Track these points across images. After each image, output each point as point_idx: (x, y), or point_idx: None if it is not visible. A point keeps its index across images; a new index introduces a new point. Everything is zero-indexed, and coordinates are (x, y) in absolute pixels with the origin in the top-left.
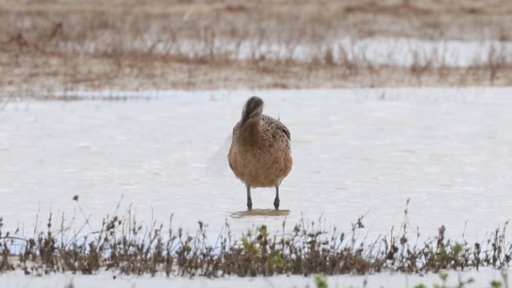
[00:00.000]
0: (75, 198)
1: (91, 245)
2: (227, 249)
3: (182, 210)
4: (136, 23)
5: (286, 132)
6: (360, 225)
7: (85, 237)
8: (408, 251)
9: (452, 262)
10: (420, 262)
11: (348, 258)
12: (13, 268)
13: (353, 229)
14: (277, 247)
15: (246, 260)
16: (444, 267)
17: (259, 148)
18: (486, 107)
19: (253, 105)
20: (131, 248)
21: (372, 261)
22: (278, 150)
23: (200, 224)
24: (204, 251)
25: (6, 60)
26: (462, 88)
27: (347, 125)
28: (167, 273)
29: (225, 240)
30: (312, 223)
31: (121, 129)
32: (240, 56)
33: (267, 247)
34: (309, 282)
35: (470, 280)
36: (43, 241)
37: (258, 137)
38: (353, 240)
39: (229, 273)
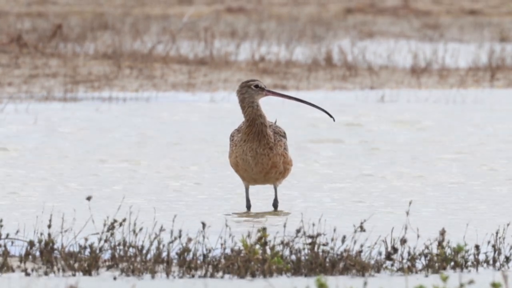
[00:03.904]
0: (88, 198)
1: (91, 246)
2: (227, 250)
3: (182, 212)
4: (136, 24)
5: (283, 136)
6: (362, 229)
7: (86, 238)
8: (408, 252)
9: (452, 263)
10: (420, 264)
11: (348, 259)
12: (13, 270)
13: (355, 232)
14: (277, 248)
15: (246, 261)
16: (444, 268)
17: (262, 146)
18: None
19: (261, 82)
20: (131, 249)
21: (372, 262)
22: (276, 154)
23: (203, 224)
24: (204, 252)
25: (6, 61)
26: (462, 89)
27: (348, 127)
28: (167, 274)
29: (225, 241)
30: (313, 225)
31: (121, 130)
32: (240, 57)
33: (267, 248)
34: (309, 283)
35: (471, 282)
36: (43, 242)
37: (267, 128)
38: (354, 242)
39: (229, 274)
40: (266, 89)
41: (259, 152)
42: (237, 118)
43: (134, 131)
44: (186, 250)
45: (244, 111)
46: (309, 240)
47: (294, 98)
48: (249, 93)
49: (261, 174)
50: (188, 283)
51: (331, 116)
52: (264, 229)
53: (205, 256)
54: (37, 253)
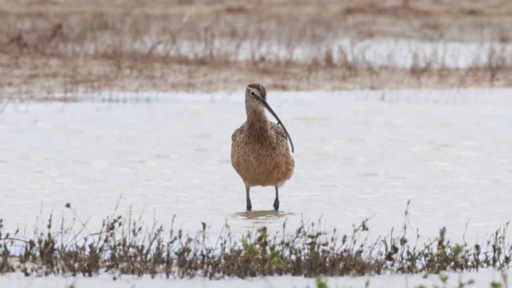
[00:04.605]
0: (68, 205)
1: (91, 246)
2: (227, 250)
3: (182, 212)
4: (136, 24)
5: (285, 137)
6: (365, 227)
7: (85, 238)
8: (408, 252)
9: (452, 263)
10: (420, 263)
11: (348, 259)
12: (13, 270)
13: (358, 231)
14: (277, 248)
15: (246, 261)
16: (444, 268)
17: (265, 148)
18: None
19: (263, 89)
20: (131, 249)
21: (372, 262)
22: (279, 154)
23: (204, 224)
24: (204, 252)
25: (6, 61)
26: (462, 89)
27: (348, 127)
28: (167, 274)
29: (225, 241)
30: (312, 224)
31: (121, 130)
32: (240, 57)
33: (267, 248)
34: (309, 283)
35: (470, 282)
36: (43, 242)
37: (267, 132)
38: (354, 242)
39: (229, 274)
40: (261, 99)
41: (262, 153)
42: (238, 118)
43: (134, 131)
44: (186, 250)
45: (246, 113)
46: (309, 240)
47: (278, 118)
48: (247, 98)
49: (263, 174)
50: (188, 283)
51: (292, 146)
52: (264, 229)
53: (205, 256)
54: (37, 253)
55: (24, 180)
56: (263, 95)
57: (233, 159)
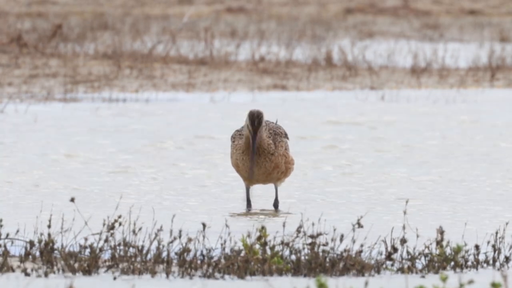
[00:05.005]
0: (72, 200)
1: (91, 246)
2: (227, 250)
3: (182, 212)
4: (136, 24)
5: (284, 136)
6: (360, 225)
7: (85, 239)
8: (408, 252)
9: (452, 263)
10: (420, 263)
11: (348, 259)
12: (13, 269)
13: (353, 230)
14: (277, 248)
15: (246, 261)
16: (444, 268)
17: (263, 157)
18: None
19: (258, 122)
20: (131, 249)
21: (372, 262)
22: (278, 156)
23: (204, 225)
24: (204, 252)
25: (6, 61)
26: (462, 89)
27: (348, 126)
28: (167, 274)
29: (225, 241)
30: (313, 224)
31: (122, 130)
32: (240, 57)
33: (267, 248)
34: (309, 283)
35: (470, 282)
36: (43, 242)
37: (263, 150)
38: (353, 241)
39: (229, 274)
40: (251, 134)
41: (260, 161)
42: (237, 118)
43: (133, 131)
44: (186, 250)
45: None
46: (310, 240)
47: (252, 156)
48: (245, 123)
49: (263, 175)
50: (188, 283)
51: (252, 172)
52: (263, 228)
53: (205, 256)
54: (37, 253)
55: (23, 179)
56: (255, 131)
57: (232, 160)
